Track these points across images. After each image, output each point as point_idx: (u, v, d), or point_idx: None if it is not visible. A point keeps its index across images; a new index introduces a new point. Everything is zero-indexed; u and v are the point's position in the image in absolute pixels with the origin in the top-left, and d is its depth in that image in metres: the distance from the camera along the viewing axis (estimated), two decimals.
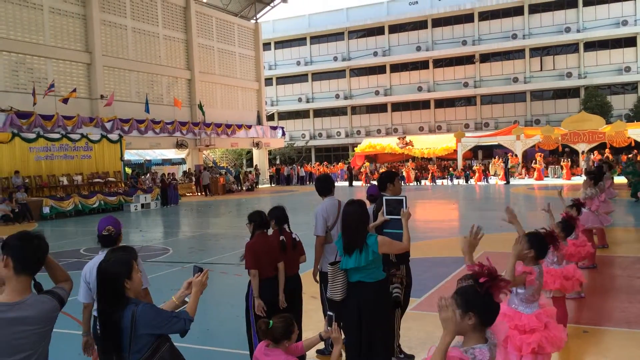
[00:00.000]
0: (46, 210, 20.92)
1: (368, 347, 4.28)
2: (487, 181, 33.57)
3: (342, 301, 4.43)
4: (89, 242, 14.56)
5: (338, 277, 4.37)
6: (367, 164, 40.75)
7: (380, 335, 4.29)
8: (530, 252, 4.03)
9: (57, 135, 22.95)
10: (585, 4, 41.82)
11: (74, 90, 24.67)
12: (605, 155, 31.13)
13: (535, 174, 33.01)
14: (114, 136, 25.49)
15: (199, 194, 31.50)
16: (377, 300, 4.28)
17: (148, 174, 28.30)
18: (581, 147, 32.69)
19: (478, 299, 2.44)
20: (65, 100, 23.70)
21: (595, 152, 31.74)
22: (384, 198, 4.95)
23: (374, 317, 4.25)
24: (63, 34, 26.43)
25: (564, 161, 33.04)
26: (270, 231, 5.20)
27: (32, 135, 22.04)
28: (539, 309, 4.03)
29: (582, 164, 30.94)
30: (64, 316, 7.37)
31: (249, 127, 37.41)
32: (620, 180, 23.83)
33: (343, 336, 4.87)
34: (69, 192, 22.45)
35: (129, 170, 28.42)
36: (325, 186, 5.65)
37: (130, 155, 30.74)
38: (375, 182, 5.38)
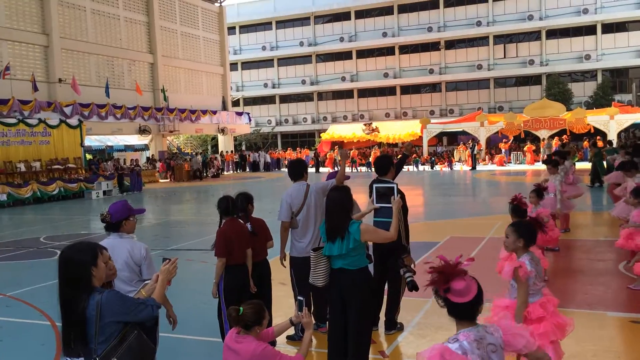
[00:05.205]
0: (3, 197, 20.21)
1: (351, 334, 4.25)
2: (451, 167, 33.97)
3: (324, 287, 4.39)
4: (49, 230, 14.15)
5: (320, 263, 4.33)
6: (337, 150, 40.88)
7: (361, 323, 4.25)
8: (520, 241, 3.92)
9: (13, 120, 22.12)
10: None
11: (32, 75, 23.88)
12: (564, 140, 31.81)
13: (497, 159, 33.83)
14: (73, 121, 24.73)
15: (168, 179, 31.20)
16: (358, 287, 4.25)
17: (110, 161, 27.60)
18: (542, 133, 33.37)
19: (442, 297, 2.36)
20: (34, 86, 22.99)
21: (556, 139, 32.45)
22: (374, 186, 4.88)
23: (356, 304, 4.22)
24: (19, 15, 25.42)
25: (527, 145, 33.72)
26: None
27: None
28: (542, 297, 3.96)
29: (543, 150, 31.58)
30: (26, 306, 7.13)
31: (214, 112, 36.87)
32: (582, 165, 24.46)
33: (314, 321, 4.84)
34: (27, 179, 21.73)
35: (89, 157, 27.68)
36: (295, 170, 5.64)
37: (91, 141, 29.93)
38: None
